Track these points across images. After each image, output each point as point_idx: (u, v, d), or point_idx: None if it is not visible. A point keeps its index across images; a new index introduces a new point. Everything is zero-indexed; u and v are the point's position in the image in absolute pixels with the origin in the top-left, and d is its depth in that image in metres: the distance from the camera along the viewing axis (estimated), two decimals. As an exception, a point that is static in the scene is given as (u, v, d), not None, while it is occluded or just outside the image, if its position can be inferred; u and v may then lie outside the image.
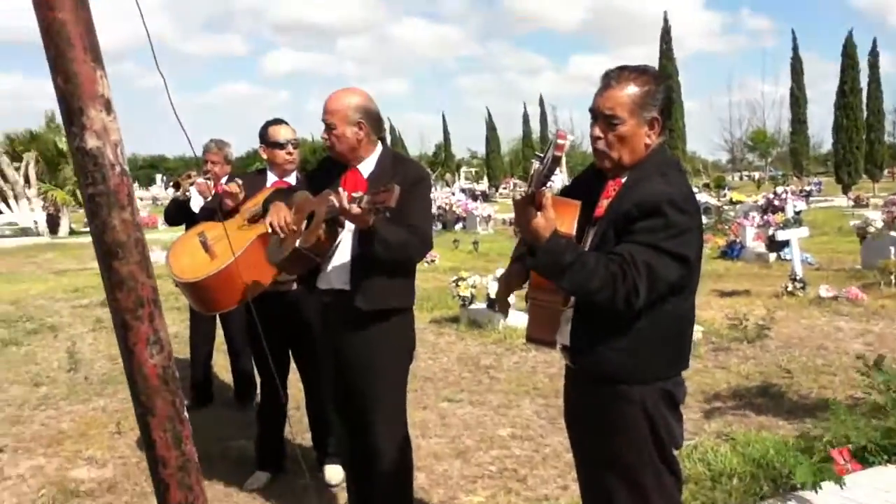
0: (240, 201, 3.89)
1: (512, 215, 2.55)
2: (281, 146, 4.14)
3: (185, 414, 1.51)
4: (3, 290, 11.83)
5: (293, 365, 4.32)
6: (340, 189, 2.89)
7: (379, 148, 3.24)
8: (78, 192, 24.13)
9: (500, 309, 2.64)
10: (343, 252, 3.11)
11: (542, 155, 1.99)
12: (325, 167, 3.36)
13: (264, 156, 4.26)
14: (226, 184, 5.10)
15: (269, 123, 4.23)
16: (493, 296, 7.72)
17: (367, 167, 3.19)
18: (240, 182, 3.98)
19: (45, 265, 15.67)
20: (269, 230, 3.12)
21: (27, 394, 6.04)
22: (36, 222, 23.49)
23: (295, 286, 3.83)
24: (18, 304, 10.43)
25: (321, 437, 4.33)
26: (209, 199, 4.81)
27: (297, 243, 3.02)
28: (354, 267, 3.09)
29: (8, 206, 23.99)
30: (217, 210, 3.90)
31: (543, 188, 1.98)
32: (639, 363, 2.23)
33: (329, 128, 3.14)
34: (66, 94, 1.37)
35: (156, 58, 1.76)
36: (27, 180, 24.23)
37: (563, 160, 1.94)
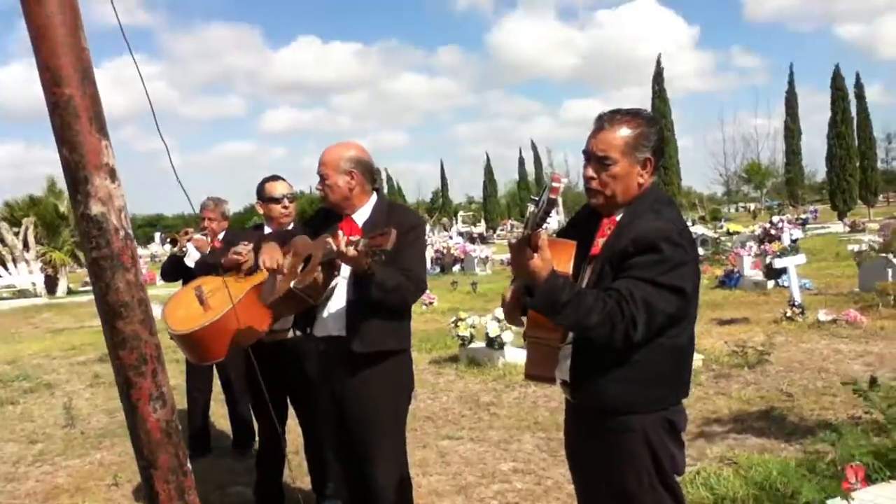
0: (245, 260, 3.90)
1: (509, 256, 2.58)
2: (277, 201, 4.22)
3: (188, 465, 1.54)
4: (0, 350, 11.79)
5: (291, 410, 4.30)
6: (340, 232, 2.95)
7: (374, 197, 3.31)
8: (77, 252, 24.35)
9: (510, 322, 2.62)
10: (339, 298, 3.15)
11: (537, 198, 2.02)
12: (322, 216, 3.42)
13: (261, 211, 4.33)
14: (222, 240, 5.16)
15: (265, 180, 4.33)
16: (492, 335, 7.71)
17: (361, 216, 3.26)
18: (249, 247, 4.00)
19: (42, 325, 15.65)
20: (262, 267, 3.15)
21: (22, 451, 5.98)
22: (34, 284, 23.56)
23: (291, 334, 3.84)
24: (15, 363, 10.38)
25: (321, 480, 4.28)
26: (206, 254, 4.86)
27: (292, 284, 3.05)
28: (350, 312, 3.12)
29: (6, 269, 24.06)
30: (217, 265, 3.93)
31: (539, 230, 2.01)
32: (638, 394, 2.24)
33: (322, 178, 3.23)
34: (71, 164, 1.44)
35: (157, 123, 1.83)
36: (26, 244, 24.35)
37: (560, 201, 1.97)
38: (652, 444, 2.25)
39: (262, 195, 4.27)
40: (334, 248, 2.87)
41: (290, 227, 4.25)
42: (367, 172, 3.26)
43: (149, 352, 1.48)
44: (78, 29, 1.43)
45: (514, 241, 2.06)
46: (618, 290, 2.10)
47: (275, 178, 4.33)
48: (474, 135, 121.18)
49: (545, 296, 2.05)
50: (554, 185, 1.91)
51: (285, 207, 4.23)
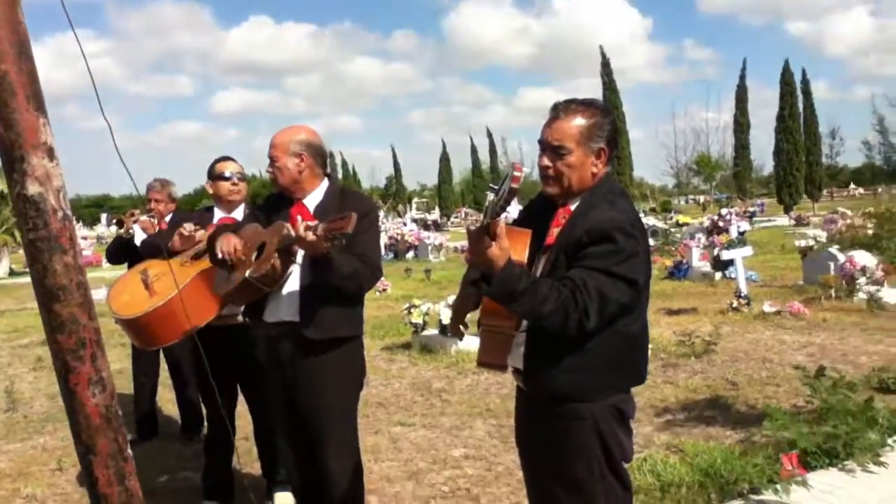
0: (193, 243, 3.85)
1: (464, 243, 2.59)
2: (226, 178, 4.14)
3: (129, 451, 1.52)
4: (-62, 332, 11.43)
5: (241, 396, 4.25)
6: (298, 217, 2.92)
7: (325, 182, 3.29)
8: (16, 233, 23.68)
9: (453, 334, 2.65)
10: (292, 283, 3.11)
11: (496, 186, 2.02)
12: (273, 202, 3.38)
13: (210, 191, 4.25)
14: (169, 222, 5.07)
15: (216, 160, 4.27)
16: (445, 322, 7.73)
17: (313, 200, 3.23)
18: (193, 226, 3.94)
19: (-17, 307, 15.20)
20: (220, 256, 3.10)
21: (-38, 435, 5.82)
22: (-25, 264, 22.86)
23: (241, 319, 3.80)
24: (-45, 345, 10.07)
25: (271, 465, 4.25)
26: (152, 235, 4.78)
27: (248, 273, 3.01)
28: (303, 298, 3.09)
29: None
30: (161, 247, 3.86)
31: (498, 218, 2.01)
32: (590, 382, 2.27)
33: (272, 161, 3.21)
34: (7, 142, 1.39)
35: (100, 102, 1.78)
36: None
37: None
38: (601, 433, 2.29)
39: (212, 174, 4.20)
40: (292, 233, 2.84)
41: (241, 209, 4.21)
42: (318, 156, 3.24)
43: (87, 336, 1.45)
44: (15, 4, 1.38)
45: (472, 228, 2.06)
46: (572, 280, 2.12)
47: (225, 158, 4.27)
48: (430, 121, 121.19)
49: (502, 284, 2.06)
50: (515, 174, 1.92)
51: (234, 185, 4.15)
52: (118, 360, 7.98)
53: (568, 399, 2.29)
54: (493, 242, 2.03)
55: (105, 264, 20.41)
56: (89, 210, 68.16)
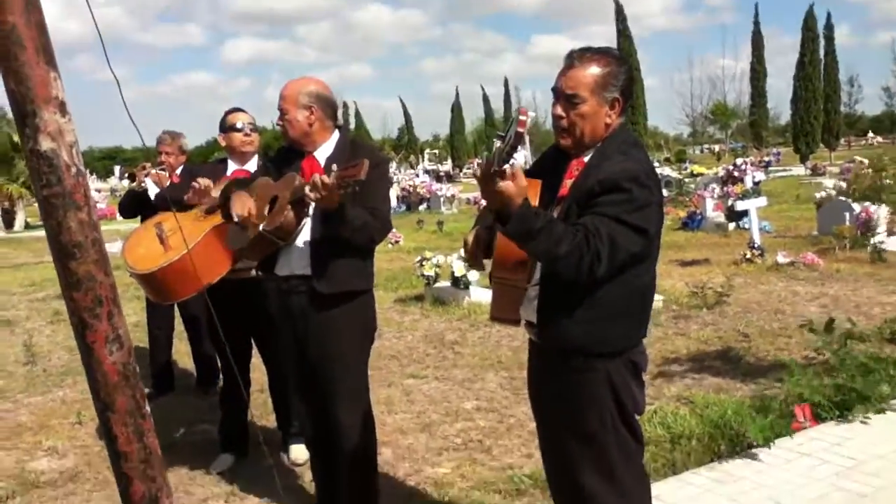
0: (208, 196, 3.84)
1: (476, 194, 2.56)
2: (238, 129, 4.13)
3: (147, 408, 1.53)
4: (-43, 286, 11.59)
5: (255, 349, 4.30)
6: (312, 166, 2.90)
7: (336, 134, 3.26)
8: (32, 187, 23.73)
9: (474, 266, 2.61)
10: (303, 237, 3.11)
11: (503, 133, 1.99)
12: (283, 155, 3.35)
13: (223, 143, 4.24)
14: (181, 174, 5.06)
15: (227, 112, 4.24)
16: (458, 274, 7.75)
17: (323, 153, 3.21)
18: (208, 182, 3.93)
19: (0, 259, 15.36)
20: (235, 217, 3.10)
21: (-17, 388, 5.94)
22: (-10, 218, 23.03)
23: (253, 273, 3.81)
24: (-26, 299, 10.22)
25: (285, 417, 4.32)
26: (166, 187, 4.79)
27: (261, 227, 3.01)
28: (314, 251, 3.09)
29: (-40, 202, 23.48)
30: (170, 200, 3.86)
31: (506, 166, 1.98)
32: (603, 334, 2.27)
33: (282, 113, 3.17)
34: (18, 97, 1.36)
35: (107, 54, 1.74)
36: (-20, 177, 23.71)
37: (527, 138, 1.94)
38: (615, 385, 2.29)
39: (224, 125, 4.18)
40: (301, 184, 2.83)
41: (254, 161, 4.19)
42: (328, 108, 3.20)
43: (104, 293, 1.44)
44: None
45: (480, 172, 2.02)
46: (584, 225, 2.10)
47: (237, 109, 4.26)
48: (442, 70, 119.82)
49: (519, 221, 2.03)
50: (521, 118, 1.88)
51: (247, 135, 4.14)
52: (133, 313, 8.08)
53: (581, 351, 2.29)
54: (509, 181, 2.00)
55: (119, 217, 20.53)
56: (102, 162, 68.24)
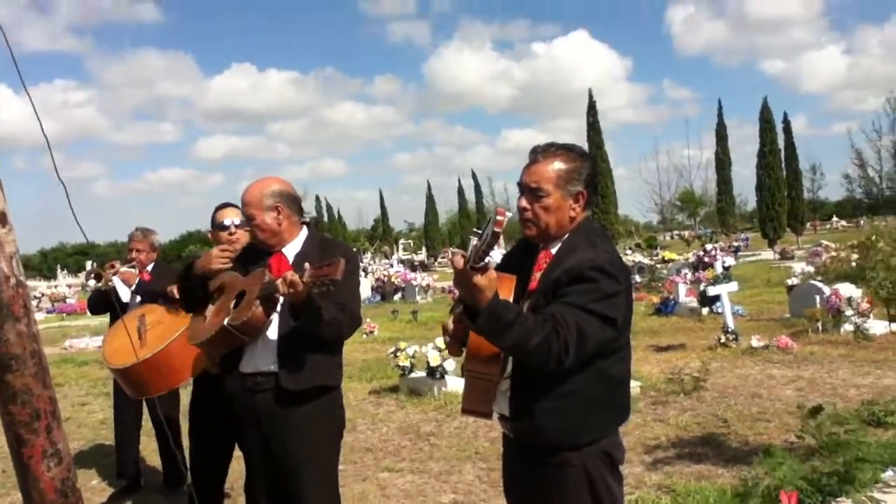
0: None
1: (451, 283, 2.56)
2: (223, 227, 4.04)
3: None
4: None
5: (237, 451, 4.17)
6: (286, 268, 2.86)
7: (304, 231, 3.24)
8: None
9: (452, 352, 2.52)
10: (269, 332, 3.04)
11: (479, 231, 2.01)
12: (250, 251, 3.31)
13: (212, 238, 4.18)
14: (152, 271, 5.01)
15: (217, 208, 4.13)
16: (433, 364, 7.66)
17: (292, 249, 3.18)
18: (133, 272, 3.88)
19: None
20: (218, 261, 3.08)
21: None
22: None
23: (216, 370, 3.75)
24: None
25: None
26: (134, 287, 4.75)
27: (226, 321, 2.92)
28: (281, 346, 3.02)
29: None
30: (161, 293, 3.81)
31: (481, 263, 1.99)
32: (576, 426, 2.24)
33: (249, 219, 3.13)
34: None
35: (53, 158, 1.76)
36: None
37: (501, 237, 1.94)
38: (592, 480, 2.26)
39: (213, 222, 4.13)
40: (275, 281, 2.78)
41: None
42: (293, 204, 3.18)
43: (42, 406, 1.39)
44: None
45: (457, 260, 2.01)
46: (552, 315, 2.10)
47: (225, 205, 4.13)
48: (414, 163, 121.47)
49: (490, 316, 2.02)
50: (498, 218, 1.90)
51: (231, 234, 4.04)
52: (101, 409, 7.86)
53: (555, 445, 2.26)
54: (480, 274, 2.00)
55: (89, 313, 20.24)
56: (74, 258, 67.72)
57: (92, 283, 5.24)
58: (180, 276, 3.24)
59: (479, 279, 1.98)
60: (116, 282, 4.97)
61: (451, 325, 2.43)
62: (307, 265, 2.73)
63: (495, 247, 1.96)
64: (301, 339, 2.96)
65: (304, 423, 3.04)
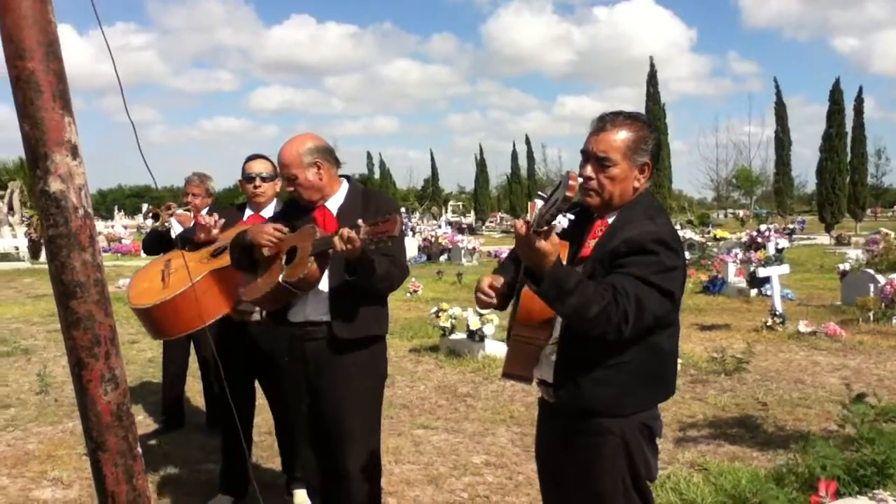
0: (212, 236, 3.85)
1: (496, 248, 2.54)
2: (249, 179, 4.11)
3: (139, 449, 1.51)
4: (-21, 313, 11.70)
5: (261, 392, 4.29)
6: (343, 227, 2.82)
7: (345, 184, 3.26)
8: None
9: (482, 307, 2.52)
10: (321, 284, 3.08)
11: (545, 194, 1.98)
12: (292, 206, 3.33)
13: (242, 189, 4.26)
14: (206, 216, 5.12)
15: (247, 158, 4.22)
16: (473, 327, 7.70)
17: (335, 203, 3.21)
18: (217, 217, 3.96)
19: (23, 289, 15.53)
20: (266, 252, 3.08)
21: (-5, 415, 5.94)
22: (17, 248, 23.37)
23: (257, 317, 3.82)
24: (-6, 327, 10.30)
25: (290, 461, 4.27)
26: (188, 228, 4.85)
27: (281, 278, 2.97)
28: (334, 298, 3.08)
29: (-10, 231, 23.89)
30: (182, 238, 3.90)
31: (547, 227, 1.97)
32: (621, 397, 2.24)
33: (291, 180, 3.13)
34: (32, 140, 1.40)
35: (125, 101, 1.81)
36: (11, 208, 24.15)
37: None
38: (629, 449, 2.26)
39: (242, 172, 4.20)
40: (332, 239, 2.80)
41: (271, 207, 4.16)
42: (331, 156, 3.19)
43: (103, 333, 1.45)
44: (45, 2, 1.39)
45: (520, 227, 2.00)
46: (612, 285, 2.09)
47: (254, 156, 4.22)
48: (467, 125, 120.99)
49: (552, 281, 2.01)
50: (571, 183, 1.86)
51: (256, 187, 4.10)
52: (150, 348, 8.10)
53: (597, 414, 2.26)
54: (544, 239, 1.99)
55: (143, 254, 20.77)
56: (131, 200, 69.38)
57: (149, 222, 5.37)
58: (232, 243, 3.28)
59: (542, 244, 1.97)
60: (173, 223, 5.10)
61: (492, 283, 2.44)
62: (361, 221, 2.75)
63: (564, 212, 1.94)
64: (353, 289, 3.00)
65: (353, 370, 3.12)
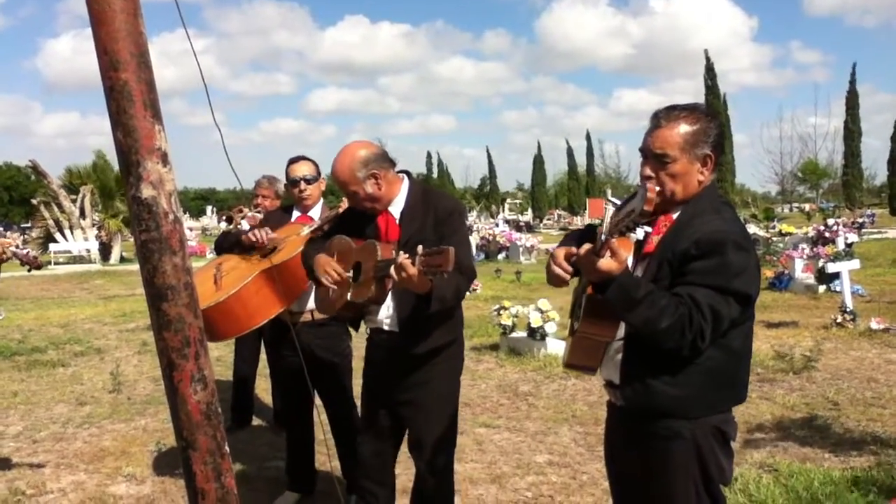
0: (261, 242, 3.83)
1: (555, 246, 2.45)
2: (294, 183, 4.11)
3: (227, 448, 1.56)
4: (53, 313, 12.16)
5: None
6: (400, 255, 2.72)
7: (405, 183, 3.16)
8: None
9: (553, 283, 2.33)
10: (389, 296, 3.05)
11: (617, 201, 1.97)
12: (354, 214, 3.24)
13: (289, 193, 4.30)
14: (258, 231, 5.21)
15: (289, 161, 4.20)
16: (534, 325, 7.67)
17: (396, 207, 3.12)
18: (260, 216, 4.01)
19: (95, 291, 16.07)
20: (324, 282, 3.06)
21: (71, 412, 6.18)
22: (88, 250, 24.19)
23: (310, 316, 3.88)
24: (68, 327, 10.70)
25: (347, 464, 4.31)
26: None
27: (349, 296, 2.96)
28: (400, 312, 3.05)
29: (63, 235, 24.74)
30: (234, 241, 3.96)
31: (613, 238, 1.94)
32: (693, 399, 2.16)
33: (354, 196, 3.07)
34: (124, 147, 1.46)
35: (211, 106, 1.84)
36: (82, 212, 25.00)
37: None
38: (702, 453, 2.19)
39: (286, 176, 4.20)
40: (389, 266, 2.73)
41: (317, 208, 4.16)
42: (385, 161, 3.07)
43: (192, 334, 1.50)
44: (137, 15, 1.45)
45: (583, 253, 1.97)
46: (685, 297, 2.03)
47: (296, 159, 4.17)
48: (522, 122, 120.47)
49: (620, 290, 1.99)
50: (649, 196, 1.82)
51: (301, 191, 4.09)
52: (216, 347, 8.29)
53: (665, 415, 2.19)
54: (609, 257, 1.97)
55: (209, 255, 21.27)
56: (196, 203, 71.08)
57: (223, 224, 5.49)
58: (303, 262, 3.24)
59: (608, 264, 1.96)
60: (244, 225, 5.21)
61: (565, 255, 2.25)
62: (419, 248, 2.64)
63: (641, 224, 1.89)
64: (420, 302, 2.92)
65: (427, 378, 3.10)
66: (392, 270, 2.70)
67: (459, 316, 3.27)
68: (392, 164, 3.12)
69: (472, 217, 40.10)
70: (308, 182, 4.10)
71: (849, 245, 14.79)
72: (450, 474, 3.27)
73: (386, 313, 3.10)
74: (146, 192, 1.45)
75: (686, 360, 2.13)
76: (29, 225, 34.74)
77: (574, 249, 2.20)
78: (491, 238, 22.57)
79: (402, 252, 2.71)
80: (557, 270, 2.25)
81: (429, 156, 61.57)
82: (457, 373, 3.27)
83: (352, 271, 3.01)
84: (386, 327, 3.11)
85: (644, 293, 1.99)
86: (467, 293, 10.59)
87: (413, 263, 2.61)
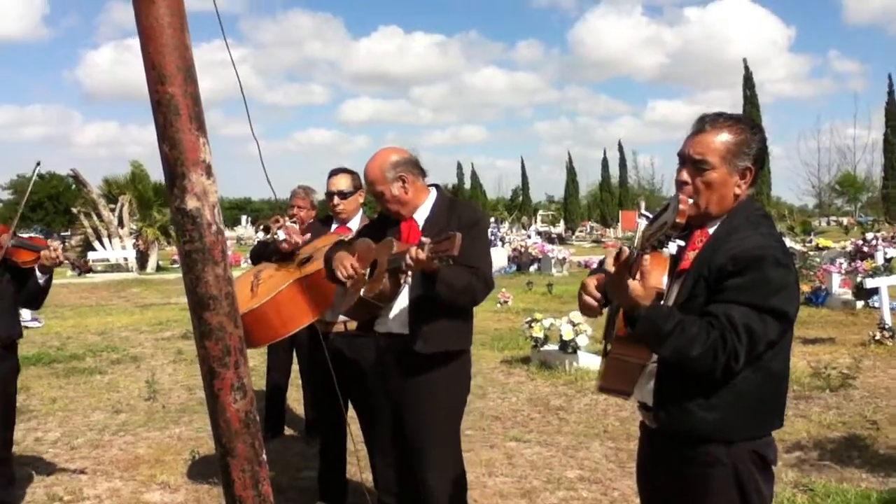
0: (295, 245, 3.92)
1: (587, 258, 2.44)
2: (330, 196, 4.18)
3: (264, 456, 1.58)
4: (91, 321, 12.37)
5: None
6: (411, 247, 2.86)
7: (433, 194, 3.25)
8: (169, 228, 25.29)
9: (587, 314, 2.33)
10: (402, 296, 3.11)
11: (649, 214, 1.92)
12: (381, 219, 3.36)
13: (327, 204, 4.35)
14: (307, 229, 5.27)
15: (330, 172, 4.25)
16: (566, 338, 7.63)
17: (421, 214, 3.21)
18: (296, 227, 4.07)
19: (132, 299, 16.32)
20: (339, 278, 3.13)
21: (107, 419, 6.29)
22: (126, 259, 24.59)
23: (343, 328, 3.90)
24: (105, 334, 10.88)
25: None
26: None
27: (362, 293, 3.04)
28: (413, 311, 3.09)
29: (101, 244, 25.21)
30: (271, 249, 4.01)
31: (646, 254, 1.90)
32: (730, 423, 2.09)
33: (380, 196, 3.17)
34: (170, 160, 1.49)
35: (250, 120, 1.89)
36: (121, 220, 25.47)
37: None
38: (741, 480, 2.11)
39: (326, 187, 4.27)
40: (403, 253, 2.84)
41: (357, 219, 4.22)
42: (416, 168, 3.18)
43: (233, 343, 1.52)
44: (184, 30, 1.48)
45: (610, 266, 1.94)
46: (718, 318, 1.98)
47: (336, 171, 4.24)
48: (555, 132, 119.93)
49: (648, 324, 1.96)
50: (681, 207, 1.77)
51: (335, 205, 4.15)
52: (250, 356, 8.35)
53: (701, 439, 2.11)
54: (638, 280, 1.93)
55: (244, 264, 21.51)
56: (231, 212, 71.87)
57: (261, 234, 5.57)
58: (325, 260, 3.34)
59: (635, 286, 1.92)
60: (280, 235, 5.27)
61: (596, 287, 2.22)
62: (426, 239, 2.76)
63: (674, 237, 1.84)
64: (433, 303, 2.99)
65: (433, 385, 3.12)
66: (406, 258, 2.79)
67: (470, 328, 3.27)
68: (423, 172, 3.22)
69: (503, 228, 40.05)
70: (343, 196, 4.15)
71: (888, 260, 14.51)
72: (462, 486, 3.23)
73: (397, 314, 3.13)
74: (191, 203, 1.48)
75: (722, 383, 2.06)
76: (68, 233, 35.48)
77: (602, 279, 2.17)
78: (523, 249, 22.52)
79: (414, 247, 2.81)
80: (588, 299, 2.24)
81: (459, 166, 61.72)
82: (462, 389, 3.26)
83: (368, 269, 3.10)
84: (396, 330, 3.14)
85: (673, 325, 1.95)
86: (497, 304, 10.57)
87: (422, 252, 2.73)
